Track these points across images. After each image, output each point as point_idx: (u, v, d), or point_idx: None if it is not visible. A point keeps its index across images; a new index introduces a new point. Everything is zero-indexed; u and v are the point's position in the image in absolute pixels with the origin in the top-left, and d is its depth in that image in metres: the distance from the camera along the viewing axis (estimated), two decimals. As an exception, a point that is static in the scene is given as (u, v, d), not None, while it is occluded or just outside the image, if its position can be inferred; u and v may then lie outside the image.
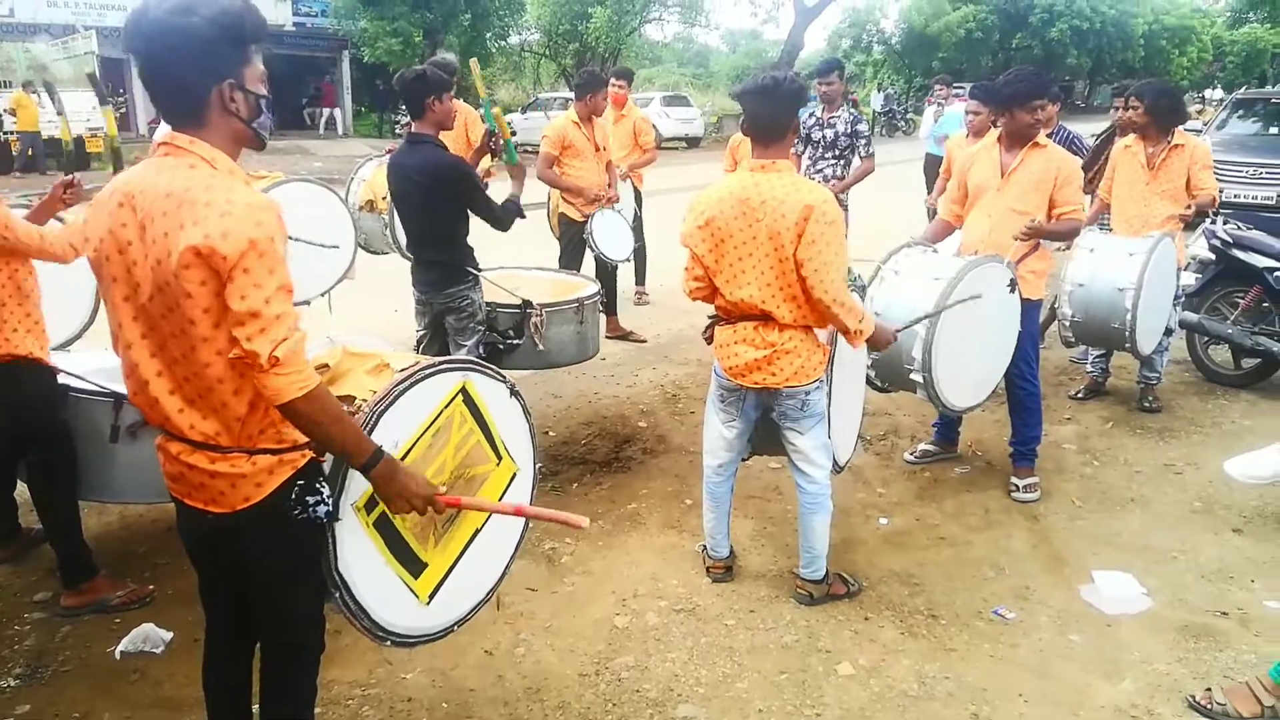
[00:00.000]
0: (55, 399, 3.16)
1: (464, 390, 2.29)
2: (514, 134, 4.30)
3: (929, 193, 11.26)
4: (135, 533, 3.82)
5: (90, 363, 3.38)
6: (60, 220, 3.63)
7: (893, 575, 3.56)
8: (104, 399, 3.16)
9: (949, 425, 4.66)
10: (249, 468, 1.85)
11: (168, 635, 3.07)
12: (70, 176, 3.41)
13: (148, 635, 3.05)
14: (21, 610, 3.26)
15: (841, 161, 6.38)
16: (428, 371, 2.20)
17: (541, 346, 4.35)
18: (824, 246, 2.88)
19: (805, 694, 2.84)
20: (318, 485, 1.96)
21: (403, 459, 2.11)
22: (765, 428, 3.37)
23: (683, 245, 3.18)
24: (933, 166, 10.98)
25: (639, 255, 7.68)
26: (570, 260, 6.42)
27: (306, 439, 1.91)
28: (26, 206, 3.48)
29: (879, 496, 4.29)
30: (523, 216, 4.09)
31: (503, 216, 3.96)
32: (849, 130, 6.31)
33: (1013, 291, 3.95)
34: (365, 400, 2.24)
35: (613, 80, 7.14)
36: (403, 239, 5.72)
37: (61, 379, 3.21)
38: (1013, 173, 4.13)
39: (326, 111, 27.73)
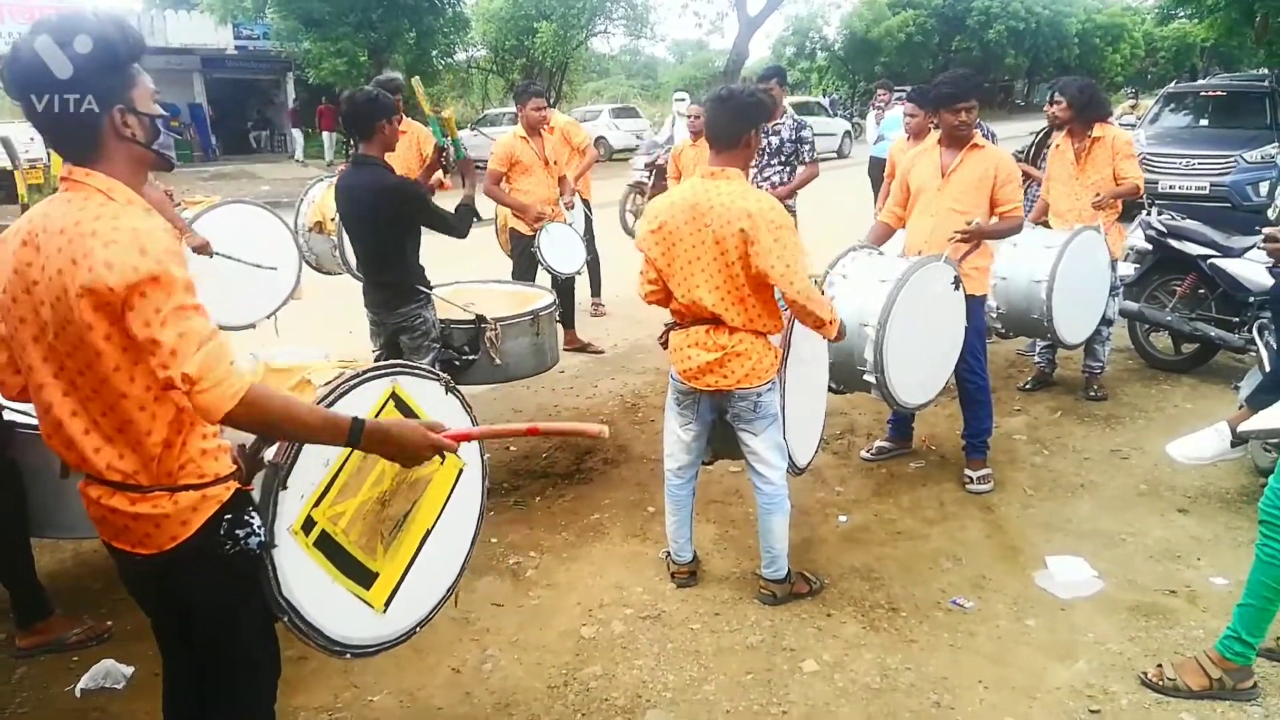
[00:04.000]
0: (2, 436, 3.10)
1: (394, 395, 2.27)
2: (457, 136, 4.29)
3: (875, 194, 11.49)
4: (90, 569, 3.75)
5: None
6: None
7: (853, 571, 3.62)
8: (53, 434, 3.11)
9: (903, 422, 4.75)
10: (171, 507, 1.79)
11: (128, 670, 3.02)
12: None
13: (108, 671, 3.00)
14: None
15: (787, 168, 6.47)
16: (352, 383, 2.18)
17: (498, 360, 4.36)
18: (782, 249, 2.94)
19: (771, 693, 2.88)
20: (246, 517, 1.90)
21: (336, 474, 2.08)
22: (724, 430, 3.42)
23: (637, 249, 3.24)
24: (877, 170, 11.19)
25: (593, 267, 7.71)
26: (523, 274, 6.41)
27: (230, 471, 1.87)
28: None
29: (837, 495, 4.35)
30: (478, 218, 4.09)
31: (457, 224, 3.97)
32: (793, 137, 6.41)
33: (957, 289, 4.04)
34: None
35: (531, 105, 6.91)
36: (352, 260, 5.72)
37: (7, 415, 3.15)
38: (953, 173, 4.24)
39: (327, 135, 25.66)
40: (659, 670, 3.01)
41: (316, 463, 2.02)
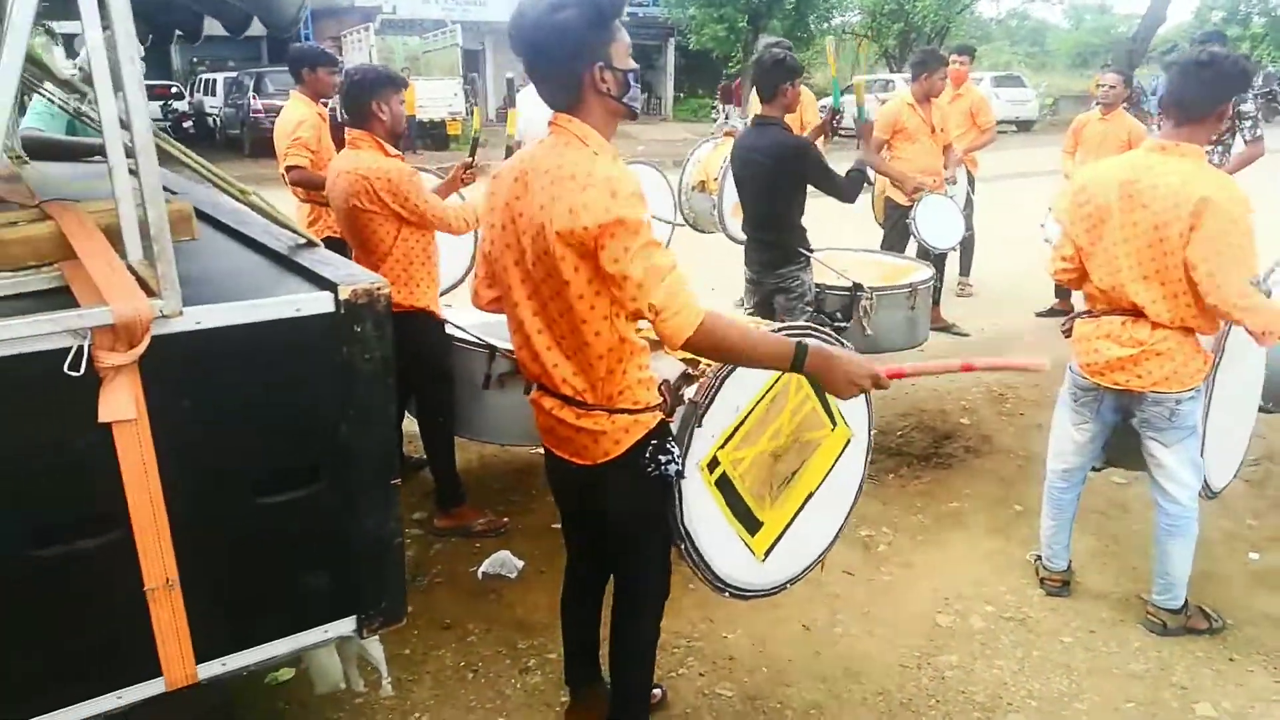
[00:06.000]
0: (444, 347, 3.61)
1: None
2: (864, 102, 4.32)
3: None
4: (491, 471, 4.30)
5: (471, 316, 3.82)
6: (461, 197, 4.18)
7: (1265, 618, 3.13)
8: (480, 350, 3.57)
9: (1346, 457, 4.00)
10: (609, 425, 1.99)
11: (520, 564, 3.43)
12: (470, 159, 3.89)
13: (504, 561, 3.43)
14: (403, 526, 3.79)
15: (1219, 147, 5.62)
16: None
17: (869, 330, 4.30)
18: (1224, 247, 2.56)
19: (1156, 728, 2.60)
20: (669, 445, 2.07)
21: (740, 424, 2.18)
22: (1122, 436, 3.09)
23: (1056, 221, 3.00)
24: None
25: (966, 244, 7.28)
26: (893, 245, 6.23)
27: (658, 401, 2.03)
28: (438, 176, 4.04)
29: (1249, 528, 3.78)
30: (870, 183, 4.06)
31: (847, 188, 3.94)
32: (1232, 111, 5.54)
33: None
34: (708, 366, 2.35)
35: (954, 56, 6.85)
36: (728, 220, 5.94)
37: (448, 329, 3.66)
38: None
39: (728, 109, 24.29)
40: (1022, 675, 2.83)
41: (728, 407, 2.15)
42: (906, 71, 6.81)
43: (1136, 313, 2.79)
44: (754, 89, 4.07)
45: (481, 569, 3.42)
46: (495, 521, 3.71)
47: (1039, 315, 6.93)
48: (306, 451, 1.71)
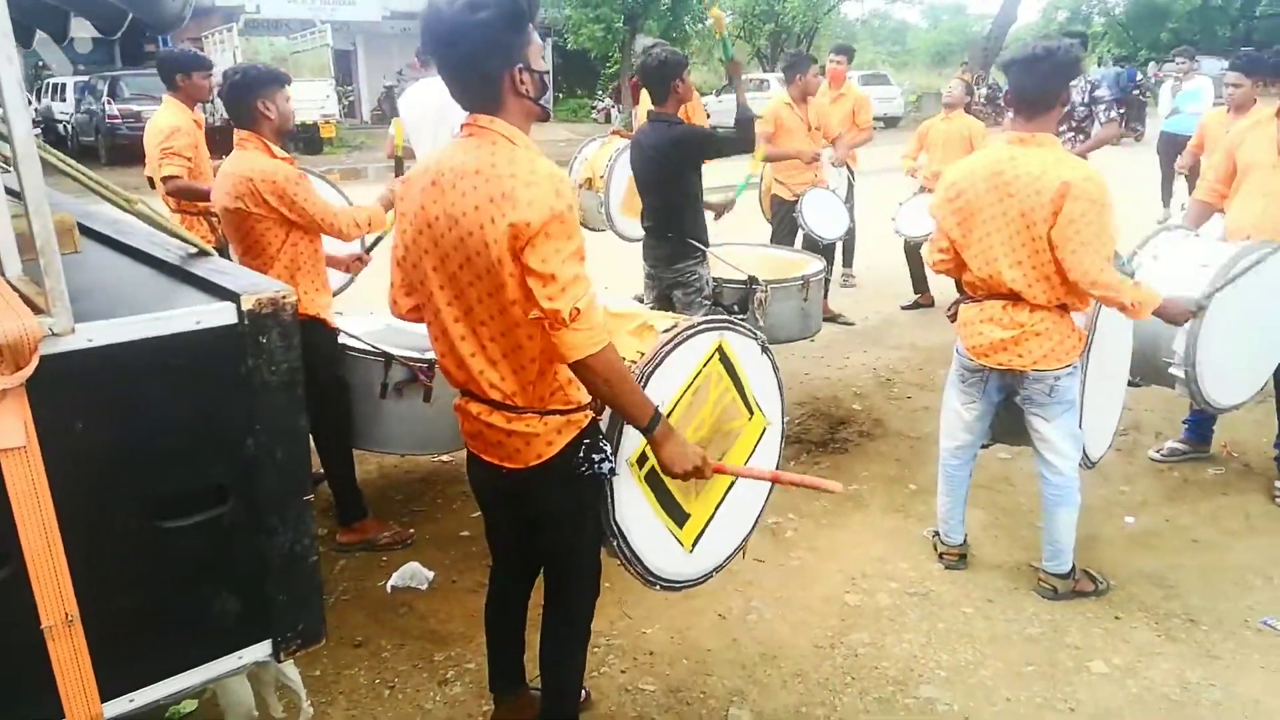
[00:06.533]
0: (336, 356, 3.49)
1: (720, 348, 2.37)
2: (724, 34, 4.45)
3: (1162, 174, 10.42)
4: (392, 481, 4.18)
5: (364, 325, 3.71)
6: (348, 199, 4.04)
7: (1143, 576, 3.36)
8: (376, 359, 3.47)
9: (1202, 423, 4.32)
10: (541, 427, 1.96)
11: (430, 574, 3.35)
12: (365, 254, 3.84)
13: (414, 573, 3.35)
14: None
15: (1078, 135, 5.98)
16: (689, 332, 2.28)
17: (763, 322, 4.38)
18: (1083, 226, 2.73)
19: (1055, 688, 2.75)
20: (600, 444, 2.05)
21: (668, 415, 2.17)
22: (1006, 414, 3.26)
23: (930, 216, 3.14)
24: (1168, 146, 10.14)
25: (848, 236, 7.55)
26: (781, 241, 6.41)
27: (589, 400, 2.01)
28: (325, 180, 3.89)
29: (1122, 494, 4.04)
30: (757, 116, 4.15)
31: (740, 136, 4.00)
32: (1084, 99, 5.91)
33: (1293, 279, 3.60)
34: (634, 361, 2.35)
35: (832, 56, 7.09)
36: (617, 218, 5.96)
37: (341, 339, 3.54)
38: (1294, 149, 3.76)
39: (622, 108, 24.57)
40: (930, 648, 2.95)
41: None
42: (780, 73, 7.05)
43: (1014, 297, 2.95)
44: (646, 89, 4.11)
45: (390, 582, 3.33)
46: (401, 533, 3.61)
47: (904, 309, 7.22)
48: (213, 471, 1.62)
